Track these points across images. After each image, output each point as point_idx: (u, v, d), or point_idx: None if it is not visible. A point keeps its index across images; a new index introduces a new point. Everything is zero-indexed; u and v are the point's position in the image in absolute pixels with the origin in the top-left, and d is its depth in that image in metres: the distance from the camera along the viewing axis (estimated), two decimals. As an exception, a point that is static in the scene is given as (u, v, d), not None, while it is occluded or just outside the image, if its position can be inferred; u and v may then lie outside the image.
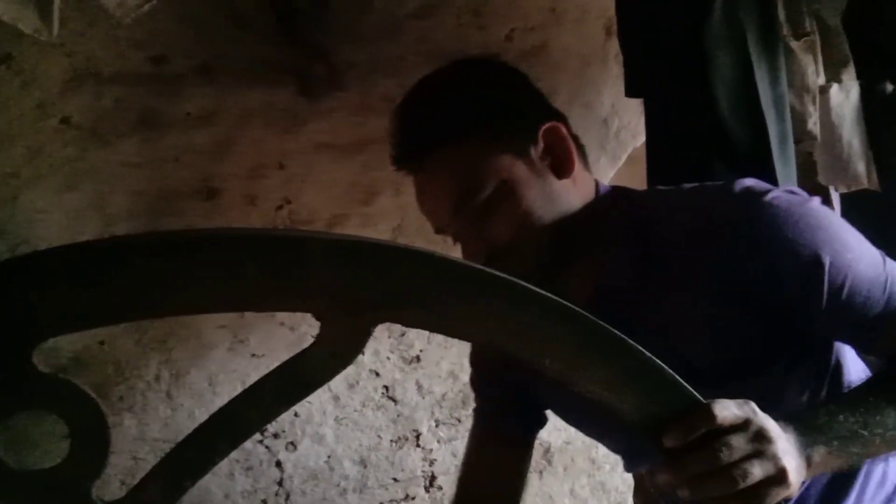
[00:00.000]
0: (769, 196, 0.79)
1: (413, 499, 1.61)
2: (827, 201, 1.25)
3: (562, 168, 0.87)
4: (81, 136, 1.34)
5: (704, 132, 1.14)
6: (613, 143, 1.73)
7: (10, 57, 1.27)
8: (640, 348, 0.59)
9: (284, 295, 0.54)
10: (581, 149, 0.93)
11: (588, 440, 1.04)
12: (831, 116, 1.24)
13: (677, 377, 0.61)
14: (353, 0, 1.45)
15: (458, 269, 0.56)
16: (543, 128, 0.87)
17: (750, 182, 0.84)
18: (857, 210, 1.25)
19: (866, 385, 0.82)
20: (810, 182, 1.26)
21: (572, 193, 0.88)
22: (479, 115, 0.87)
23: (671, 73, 1.18)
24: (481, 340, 0.60)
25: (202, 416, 1.43)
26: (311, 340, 1.57)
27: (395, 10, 1.50)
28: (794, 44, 1.21)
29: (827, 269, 0.75)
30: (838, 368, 0.88)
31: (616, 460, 1.71)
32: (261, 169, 1.46)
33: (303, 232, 0.54)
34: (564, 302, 0.57)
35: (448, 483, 1.64)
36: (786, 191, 0.82)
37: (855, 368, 0.90)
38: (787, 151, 1.18)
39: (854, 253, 0.77)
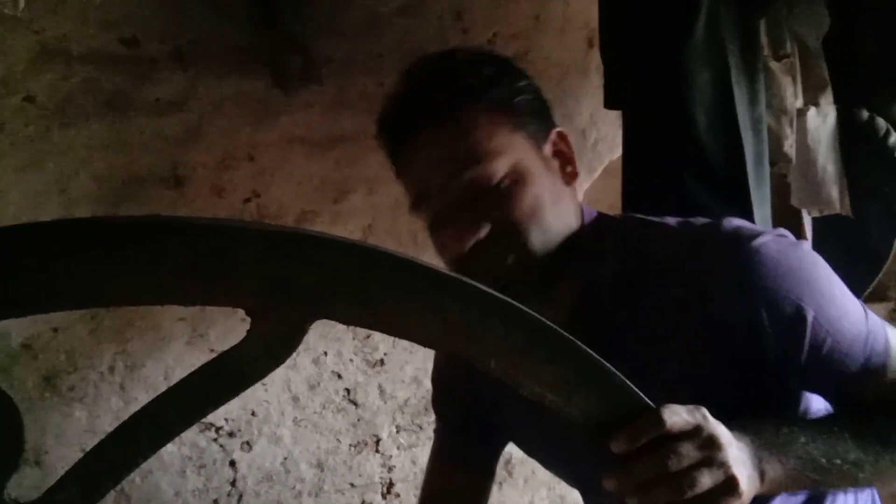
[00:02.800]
0: (757, 242, 0.75)
1: (369, 505, 1.59)
2: (798, 224, 1.25)
3: (568, 174, 0.84)
4: (45, 115, 1.29)
5: (680, 148, 1.13)
6: (590, 155, 1.73)
7: (-28, 29, 1.23)
8: (589, 351, 0.56)
9: (211, 288, 0.49)
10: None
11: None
12: (807, 139, 1.24)
13: (626, 381, 0.58)
14: (335, -6, 1.43)
15: (398, 264, 0.52)
16: (555, 130, 0.85)
17: (738, 223, 0.80)
18: (828, 235, 1.25)
19: (832, 416, 0.80)
20: (783, 204, 1.26)
21: (573, 205, 0.84)
22: (512, 90, 0.82)
23: (650, 88, 1.17)
24: (422, 340, 0.55)
25: (155, 410, 1.40)
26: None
27: (377, 7, 1.48)
28: (773, 65, 1.21)
29: (810, 324, 0.73)
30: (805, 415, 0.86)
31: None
32: (230, 160, 1.42)
33: (231, 221, 0.50)
34: (509, 300, 0.54)
35: (406, 490, 1.61)
36: (775, 235, 0.78)
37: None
38: (763, 172, 1.18)
39: (838, 308, 0.75)
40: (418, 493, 1.61)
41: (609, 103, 1.29)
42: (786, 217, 1.23)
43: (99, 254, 0.47)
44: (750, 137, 1.15)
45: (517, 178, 0.78)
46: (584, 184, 1.75)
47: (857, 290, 0.83)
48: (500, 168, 0.77)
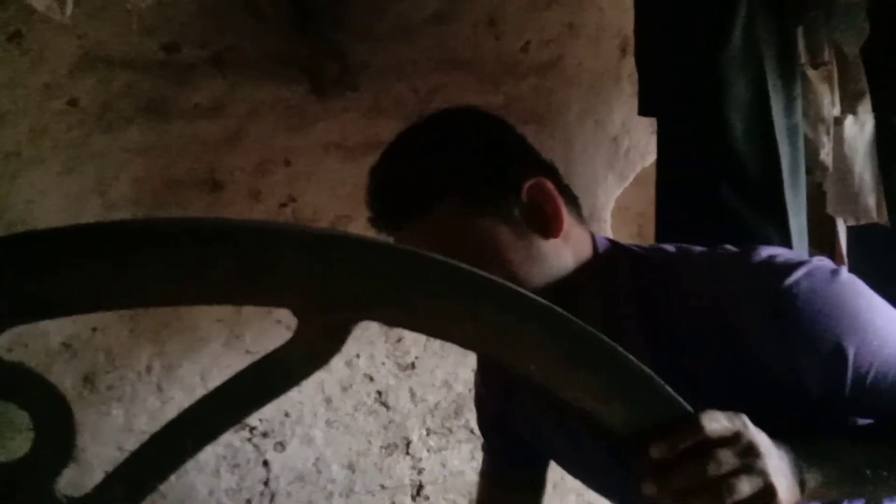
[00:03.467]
0: (790, 281, 0.72)
1: (399, 507, 1.60)
2: (833, 233, 1.24)
3: (549, 227, 0.79)
4: (87, 120, 1.32)
5: (715, 156, 1.13)
6: (622, 162, 1.72)
7: (19, 34, 1.26)
8: (631, 357, 0.57)
9: (257, 289, 0.51)
10: (573, 200, 0.85)
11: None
12: (844, 148, 1.23)
13: (667, 387, 0.59)
14: (371, 1, 1.45)
15: (438, 267, 0.53)
16: (528, 185, 0.79)
17: (769, 253, 0.77)
18: (867, 244, 1.24)
19: (877, 426, 0.78)
20: (818, 213, 1.25)
21: (563, 253, 0.81)
22: (455, 180, 0.79)
23: (686, 95, 1.17)
24: (461, 342, 0.56)
25: (191, 410, 1.42)
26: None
27: (412, 14, 1.49)
28: (811, 73, 1.20)
29: (851, 360, 0.71)
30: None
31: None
32: (267, 164, 1.44)
33: (277, 224, 0.51)
34: (549, 304, 0.55)
35: (435, 493, 1.62)
36: (808, 269, 0.74)
37: None
38: (799, 181, 1.17)
39: (880, 338, 0.72)
40: (447, 495, 1.62)
41: (643, 110, 1.29)
42: (820, 226, 1.22)
43: (150, 256, 0.48)
44: (786, 146, 1.15)
45: (488, 260, 0.75)
46: (615, 191, 1.75)
47: None
48: (468, 260, 0.77)
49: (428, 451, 1.60)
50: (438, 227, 0.79)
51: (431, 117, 0.86)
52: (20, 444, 0.50)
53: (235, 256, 0.49)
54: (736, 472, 0.59)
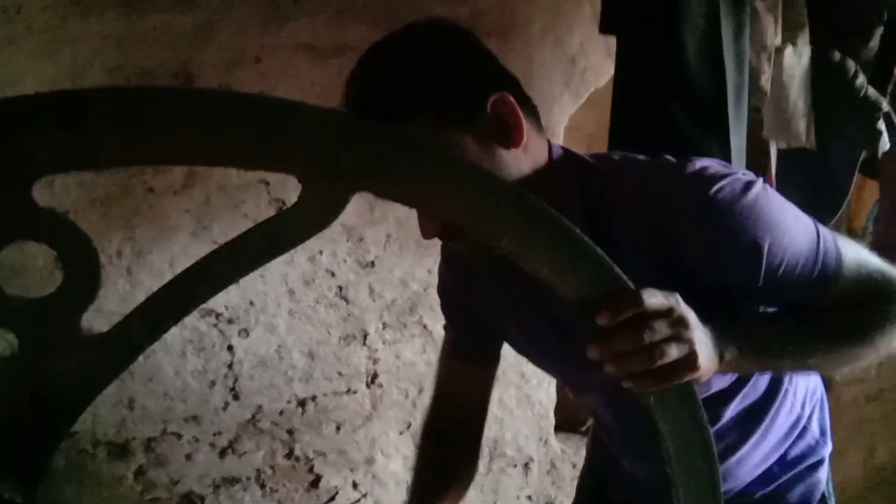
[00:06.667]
0: (714, 189, 0.81)
1: (355, 392, 1.71)
2: (766, 154, 1.36)
3: (510, 138, 0.86)
4: (62, 3, 1.33)
5: (668, 75, 1.22)
6: (578, 82, 1.81)
7: (-4, -89, 1.25)
8: (583, 236, 0.66)
9: (268, 154, 0.57)
10: (533, 112, 0.91)
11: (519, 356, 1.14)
12: (782, 76, 1.34)
13: (614, 265, 0.68)
14: None
15: (428, 150, 0.61)
16: (492, 98, 0.85)
17: (702, 164, 0.86)
18: (794, 167, 1.37)
19: (783, 314, 0.92)
20: (754, 135, 1.37)
21: (522, 161, 0.88)
22: (424, 94, 0.84)
23: (645, 15, 1.25)
24: (447, 216, 0.65)
25: (162, 293, 1.49)
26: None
27: (387, -81, 1.51)
28: (758, 3, 1.29)
29: (765, 253, 0.81)
30: None
31: (542, 376, 1.85)
32: (238, 61, 1.48)
33: (290, 100, 0.58)
34: (522, 190, 0.63)
35: (388, 381, 1.74)
36: (732, 178, 0.83)
37: None
38: (741, 103, 1.27)
39: (790, 235, 0.82)
40: (399, 384, 1.75)
41: (604, 28, 1.36)
42: (756, 147, 1.34)
43: (178, 118, 0.54)
44: (733, 70, 1.24)
45: None
46: (569, 109, 1.83)
47: (820, 220, 0.92)
48: None
49: (383, 343, 1.72)
50: None
51: (404, 31, 0.90)
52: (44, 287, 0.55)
53: (252, 124, 0.56)
54: (667, 340, 0.70)
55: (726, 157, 1.22)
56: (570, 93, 1.82)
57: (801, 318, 0.87)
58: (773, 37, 1.32)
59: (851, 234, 1.89)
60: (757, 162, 1.37)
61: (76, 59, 1.35)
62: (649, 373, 0.70)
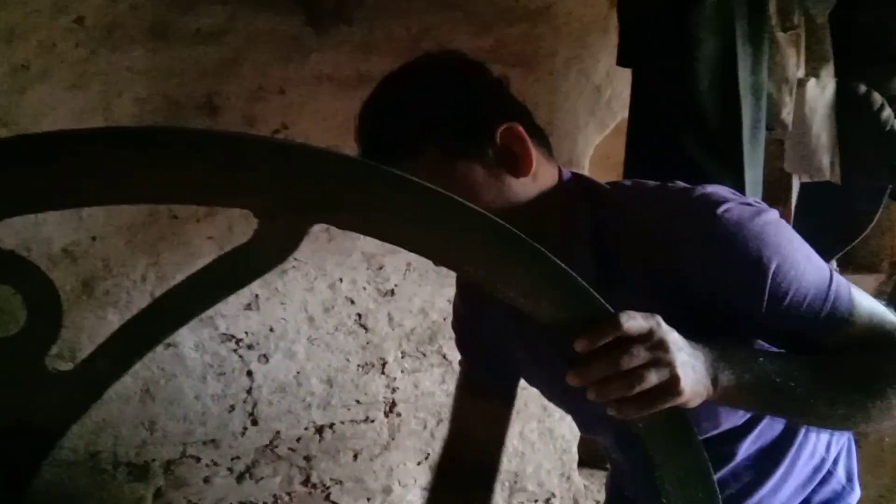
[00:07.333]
0: (721, 209, 0.80)
1: (373, 421, 1.71)
2: (787, 188, 1.33)
3: (519, 167, 0.87)
4: (93, 38, 1.39)
5: (680, 108, 1.21)
6: (603, 111, 1.80)
7: (32, -48, 1.31)
8: (556, 260, 0.64)
9: (225, 191, 0.57)
10: (543, 141, 0.93)
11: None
12: (805, 109, 1.31)
13: (589, 288, 0.66)
14: (369, -62, 1.50)
15: (391, 179, 0.59)
16: (501, 129, 0.86)
17: (709, 190, 0.85)
18: (813, 201, 1.33)
19: (785, 350, 0.88)
20: (775, 168, 1.34)
21: (531, 188, 0.89)
22: (434, 128, 0.86)
23: (659, 48, 1.24)
24: (409, 246, 0.63)
25: (182, 318, 1.52)
26: (293, 264, 1.62)
27: (409, -46, 1.54)
28: (780, 35, 1.27)
29: (771, 274, 0.78)
30: None
31: (566, 410, 1.82)
32: (262, 92, 1.51)
33: (245, 134, 0.58)
34: (488, 215, 0.62)
35: (406, 410, 1.74)
36: (741, 202, 0.82)
37: None
38: (758, 136, 1.25)
39: (798, 270, 0.79)
40: (418, 414, 1.74)
41: (621, 60, 1.36)
42: (777, 180, 1.31)
43: (128, 157, 0.54)
44: (749, 102, 1.23)
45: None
46: (595, 139, 1.82)
47: (830, 255, 0.89)
48: None
49: (402, 372, 1.72)
50: (419, 170, 0.83)
51: (415, 63, 0.92)
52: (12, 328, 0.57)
53: (205, 160, 0.56)
54: (646, 365, 0.67)
55: (740, 190, 1.20)
56: (596, 122, 1.81)
57: (807, 359, 0.82)
58: (795, 69, 1.29)
59: (879, 273, 1.83)
60: (777, 195, 1.34)
61: (107, 90, 1.41)
62: (631, 399, 0.68)
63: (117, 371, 0.59)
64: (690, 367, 0.70)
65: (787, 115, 1.29)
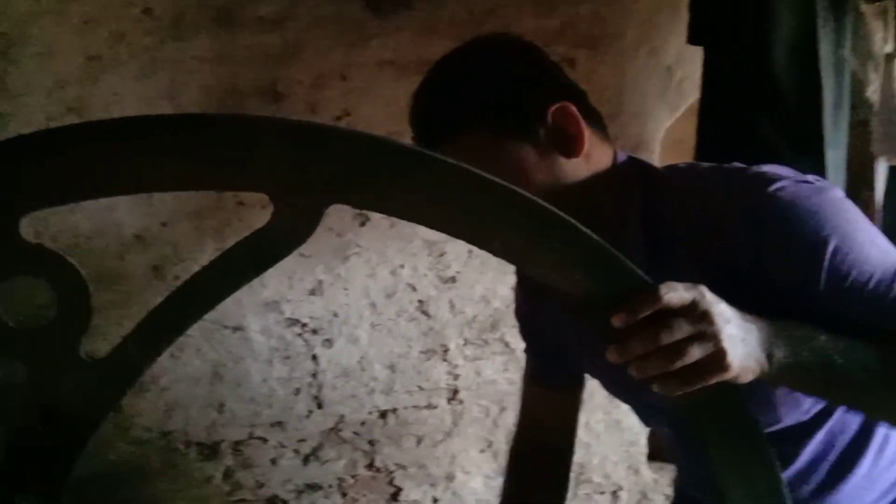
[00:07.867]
0: (774, 187, 0.76)
1: (435, 407, 1.71)
2: (872, 172, 1.24)
3: (571, 147, 0.85)
4: (161, 28, 1.42)
5: (756, 87, 1.15)
6: (674, 93, 1.73)
7: (102, -55, 1.35)
8: (588, 231, 0.61)
9: (239, 175, 0.56)
10: (598, 122, 0.90)
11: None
12: (893, 85, 1.22)
13: (625, 259, 0.62)
14: (431, -80, 1.47)
15: (407, 154, 0.58)
16: (553, 108, 0.85)
17: (765, 168, 0.81)
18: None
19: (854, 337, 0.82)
20: (862, 150, 1.26)
21: (583, 169, 0.87)
22: (484, 108, 0.85)
23: (733, 25, 1.18)
24: (430, 223, 0.60)
25: (249, 302, 1.55)
26: (355, 250, 1.63)
27: (471, -65, 1.51)
28: (865, 7, 1.19)
29: (829, 252, 0.73)
30: None
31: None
32: (324, 78, 1.52)
33: (257, 116, 0.57)
34: (512, 187, 0.59)
35: (469, 398, 1.73)
36: (798, 181, 0.78)
37: None
38: (841, 116, 1.18)
39: (860, 247, 0.74)
40: (480, 401, 1.73)
41: (693, 38, 1.30)
42: (861, 164, 1.23)
43: (140, 146, 0.54)
44: (831, 80, 1.15)
45: (515, 181, 0.72)
46: (665, 122, 1.75)
47: None
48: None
49: (464, 359, 1.70)
50: (469, 150, 0.84)
51: (467, 45, 0.91)
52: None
53: (219, 145, 0.55)
54: (689, 339, 0.63)
55: (820, 174, 1.13)
56: (666, 104, 1.74)
57: (875, 344, 0.74)
58: (882, 43, 1.21)
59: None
60: (861, 179, 1.26)
61: (174, 79, 1.44)
62: (674, 374, 0.63)
63: (148, 357, 0.60)
64: (740, 339, 0.65)
65: (873, 93, 1.21)
